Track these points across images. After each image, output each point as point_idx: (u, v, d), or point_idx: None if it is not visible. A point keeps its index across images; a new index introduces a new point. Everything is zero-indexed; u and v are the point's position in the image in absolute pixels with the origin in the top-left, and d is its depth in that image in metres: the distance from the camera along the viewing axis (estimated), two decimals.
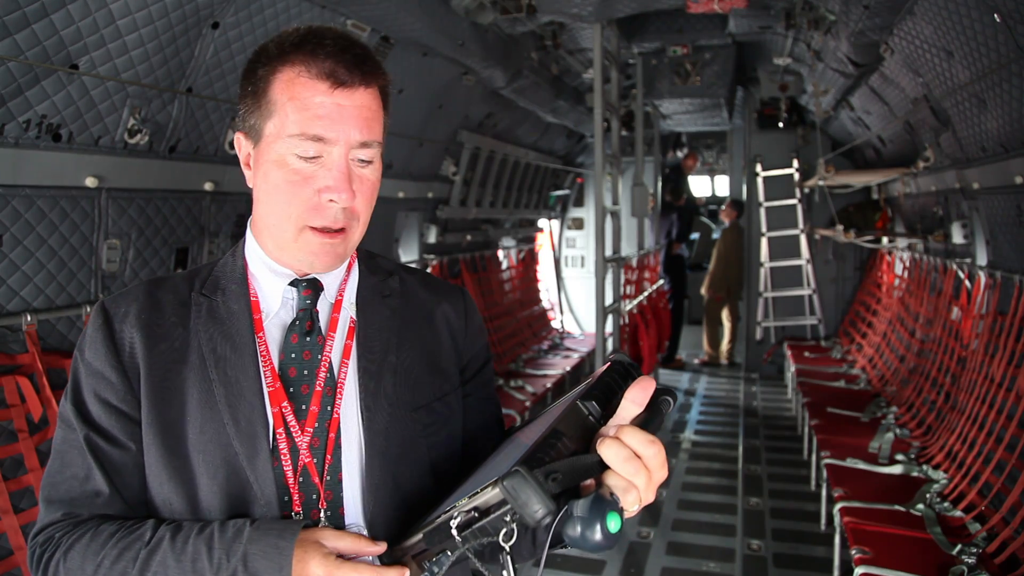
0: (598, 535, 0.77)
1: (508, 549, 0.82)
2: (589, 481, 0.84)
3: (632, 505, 0.84)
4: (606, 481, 0.84)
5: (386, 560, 0.96)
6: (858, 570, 2.59)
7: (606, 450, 0.83)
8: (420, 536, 0.91)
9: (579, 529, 0.78)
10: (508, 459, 0.92)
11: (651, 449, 0.84)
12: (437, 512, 0.96)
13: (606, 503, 0.79)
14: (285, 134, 1.00)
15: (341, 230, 1.03)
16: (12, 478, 2.17)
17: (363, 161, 1.03)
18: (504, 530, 0.80)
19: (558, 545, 0.92)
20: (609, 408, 0.92)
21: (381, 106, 1.05)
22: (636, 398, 0.89)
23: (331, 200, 1.00)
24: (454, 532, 0.84)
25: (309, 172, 1.00)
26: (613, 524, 0.78)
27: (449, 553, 0.88)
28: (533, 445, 0.83)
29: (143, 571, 0.94)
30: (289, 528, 0.94)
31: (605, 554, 3.84)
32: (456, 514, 0.84)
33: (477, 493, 0.82)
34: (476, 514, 0.82)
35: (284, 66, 1.00)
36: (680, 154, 9.27)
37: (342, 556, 0.95)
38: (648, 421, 0.88)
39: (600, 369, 1.02)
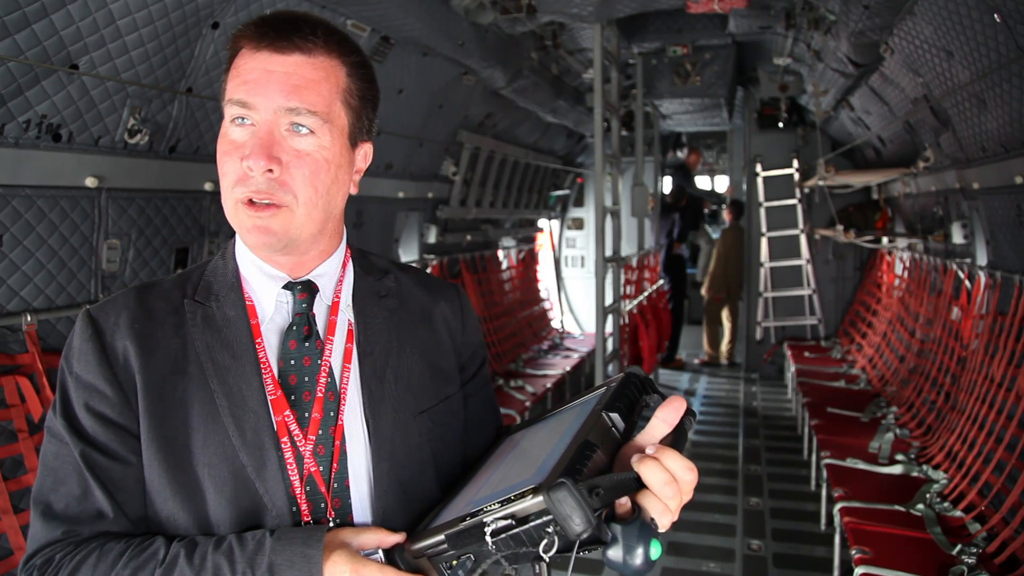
0: (639, 560, 0.79)
1: (548, 560, 0.81)
2: (624, 499, 0.84)
3: (664, 527, 0.85)
4: (642, 503, 0.85)
5: (399, 560, 0.94)
6: (858, 570, 2.59)
7: (648, 472, 0.84)
8: (442, 537, 0.88)
9: (621, 554, 0.79)
10: (526, 465, 0.91)
11: (690, 476, 0.86)
12: (446, 514, 0.95)
13: (649, 531, 0.80)
14: (225, 104, 0.99)
15: (273, 205, 0.97)
16: (12, 478, 2.17)
17: (299, 132, 0.97)
18: (545, 541, 0.79)
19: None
20: (628, 422, 0.92)
21: (329, 79, 0.99)
22: (667, 417, 0.90)
23: (249, 167, 0.95)
24: (488, 538, 0.82)
25: (240, 141, 0.97)
26: (654, 551, 0.79)
27: (474, 557, 0.86)
28: (568, 454, 0.83)
29: None
30: (314, 535, 0.91)
31: None
32: (489, 520, 0.82)
33: (511, 500, 0.81)
34: (512, 521, 0.81)
35: (238, 45, 1.00)
36: (680, 154, 9.26)
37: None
38: (676, 441, 0.90)
39: (613, 380, 1.01)
